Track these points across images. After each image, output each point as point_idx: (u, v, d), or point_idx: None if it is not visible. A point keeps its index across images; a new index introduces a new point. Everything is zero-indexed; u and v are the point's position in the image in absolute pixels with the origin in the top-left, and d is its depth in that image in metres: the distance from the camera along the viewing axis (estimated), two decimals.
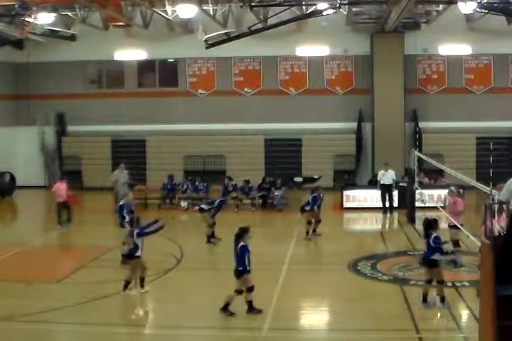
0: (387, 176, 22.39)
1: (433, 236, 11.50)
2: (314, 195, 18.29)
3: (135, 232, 12.64)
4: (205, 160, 29.44)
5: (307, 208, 18.11)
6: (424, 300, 11.48)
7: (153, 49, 29.50)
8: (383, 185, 22.33)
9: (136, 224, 12.96)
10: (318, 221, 18.42)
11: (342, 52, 29.21)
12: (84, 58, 29.53)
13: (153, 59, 30.30)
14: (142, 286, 12.63)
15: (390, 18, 24.17)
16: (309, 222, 18.13)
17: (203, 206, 18.03)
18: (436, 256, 11.42)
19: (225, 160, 29.35)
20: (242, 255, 11.09)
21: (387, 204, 22.35)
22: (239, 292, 11.10)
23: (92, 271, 14.59)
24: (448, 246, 12.41)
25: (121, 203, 15.67)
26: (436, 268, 11.52)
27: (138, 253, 12.55)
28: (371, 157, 28.56)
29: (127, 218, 15.26)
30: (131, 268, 12.67)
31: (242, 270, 11.07)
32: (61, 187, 20.22)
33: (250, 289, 11.14)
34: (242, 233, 11.31)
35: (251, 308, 11.16)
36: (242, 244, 11.18)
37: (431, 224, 11.73)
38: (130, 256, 12.70)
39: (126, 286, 12.56)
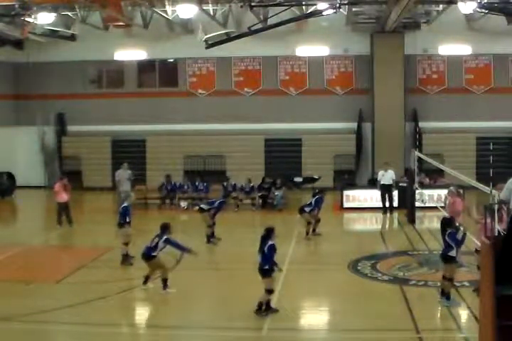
0: (386, 176, 22.36)
1: (448, 232, 11.58)
2: (317, 197, 18.27)
3: (165, 237, 12.70)
4: (205, 160, 29.44)
5: (307, 209, 18.09)
6: (448, 297, 11.50)
7: (153, 49, 29.50)
8: (383, 185, 22.31)
9: (166, 230, 12.94)
10: (318, 220, 18.42)
11: (342, 52, 29.21)
12: (84, 58, 29.51)
13: (153, 59, 30.31)
14: (165, 287, 12.66)
15: (390, 18, 24.17)
16: (309, 223, 18.13)
17: (202, 206, 18.04)
18: (452, 253, 11.48)
19: (225, 160, 29.34)
20: (270, 254, 11.13)
21: (387, 204, 22.34)
22: (270, 291, 11.07)
23: (92, 271, 14.58)
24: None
25: (125, 204, 15.66)
26: (452, 265, 11.59)
27: (154, 253, 12.65)
28: (371, 157, 28.56)
29: (128, 219, 15.28)
30: (151, 266, 12.78)
31: (268, 269, 11.08)
32: (60, 187, 20.24)
33: (271, 291, 11.16)
34: (269, 233, 11.36)
35: (268, 308, 11.14)
36: (270, 242, 11.22)
37: (447, 222, 11.89)
38: (148, 256, 12.72)
39: (145, 281, 12.76)
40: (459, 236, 11.68)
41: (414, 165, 20.70)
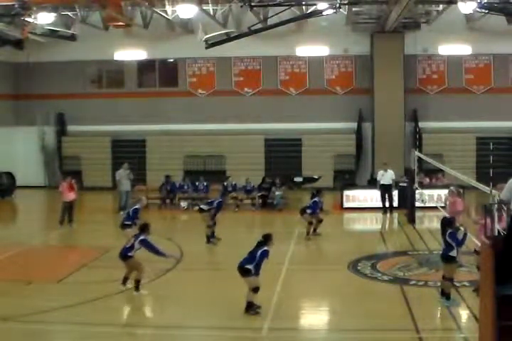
0: (386, 176, 22.37)
1: (448, 232, 11.59)
2: (315, 199, 18.25)
3: (141, 238, 12.58)
4: (205, 160, 29.45)
5: (308, 211, 18.11)
6: (448, 297, 11.51)
7: (153, 49, 29.52)
8: (383, 185, 22.32)
9: (145, 231, 12.86)
10: (320, 220, 18.42)
11: (342, 52, 29.24)
12: (84, 58, 29.54)
13: (153, 59, 30.33)
14: (137, 288, 12.53)
15: (390, 18, 24.18)
16: (310, 223, 18.13)
17: (202, 206, 18.04)
18: (453, 253, 11.49)
19: (225, 160, 29.36)
20: (261, 258, 11.12)
21: (387, 204, 22.34)
22: (255, 289, 11.07)
23: (92, 270, 14.59)
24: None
25: (137, 207, 15.76)
26: (452, 265, 11.61)
27: (130, 254, 12.52)
28: (371, 157, 28.57)
29: (135, 222, 15.28)
30: (128, 267, 12.72)
31: (250, 269, 11.03)
32: (65, 187, 20.27)
33: (256, 290, 11.15)
34: (267, 240, 11.37)
35: (249, 308, 11.17)
36: (265, 248, 11.24)
37: (447, 222, 11.91)
38: (124, 256, 12.68)
39: (124, 282, 12.66)
40: (460, 236, 11.69)
41: (414, 165, 20.70)
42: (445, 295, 11.53)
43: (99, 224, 20.99)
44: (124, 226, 15.41)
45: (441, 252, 12.00)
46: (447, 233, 11.65)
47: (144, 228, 12.83)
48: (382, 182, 22.36)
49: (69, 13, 26.49)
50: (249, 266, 11.09)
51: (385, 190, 22.30)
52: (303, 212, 18.20)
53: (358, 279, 13.76)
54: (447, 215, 15.20)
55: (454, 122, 28.19)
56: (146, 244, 12.55)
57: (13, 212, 26.72)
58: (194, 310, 11.77)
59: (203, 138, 29.23)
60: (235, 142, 29.13)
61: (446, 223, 11.96)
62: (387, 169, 22.43)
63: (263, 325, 10.69)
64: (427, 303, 11.84)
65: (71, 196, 20.24)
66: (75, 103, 30.06)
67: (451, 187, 16.27)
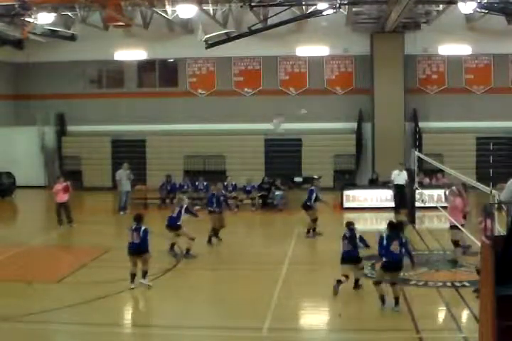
0: (401, 177, 22.20)
1: (380, 236, 12.22)
2: (311, 188, 18.50)
3: (143, 228, 12.94)
4: (205, 160, 29.43)
5: (309, 204, 18.19)
6: (383, 302, 11.54)
7: (153, 49, 29.50)
8: (397, 185, 22.17)
9: (141, 220, 13.17)
10: (315, 219, 18.42)
11: (342, 52, 29.21)
12: (84, 58, 29.51)
13: (153, 59, 30.32)
14: (144, 277, 12.98)
15: (390, 18, 24.17)
16: (313, 220, 18.16)
17: (209, 209, 18.09)
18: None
19: (225, 160, 29.34)
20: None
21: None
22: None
23: (92, 270, 14.59)
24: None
25: (184, 205, 16.15)
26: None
27: (148, 247, 12.94)
28: (371, 157, 28.55)
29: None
30: (140, 261, 12.96)
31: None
32: (58, 188, 20.22)
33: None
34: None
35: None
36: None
37: (389, 225, 12.41)
38: (145, 250, 12.91)
39: (132, 280, 12.90)
40: (385, 242, 11.82)
41: (414, 165, 20.69)
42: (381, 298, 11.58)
43: (99, 224, 20.98)
44: (176, 227, 15.70)
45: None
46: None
47: (141, 218, 13.20)
48: (396, 182, 22.22)
49: (69, 13, 26.46)
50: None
51: (399, 190, 22.12)
52: (306, 207, 18.29)
53: None
54: (447, 215, 15.21)
55: (454, 122, 28.16)
56: (145, 235, 12.93)
57: (13, 212, 26.71)
58: (194, 309, 11.78)
59: (203, 138, 29.21)
60: (235, 142, 29.11)
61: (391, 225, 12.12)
62: (403, 169, 22.28)
63: (263, 325, 10.70)
64: (427, 303, 11.84)
65: (64, 197, 20.17)
66: (75, 103, 30.05)
67: (453, 187, 16.24)
